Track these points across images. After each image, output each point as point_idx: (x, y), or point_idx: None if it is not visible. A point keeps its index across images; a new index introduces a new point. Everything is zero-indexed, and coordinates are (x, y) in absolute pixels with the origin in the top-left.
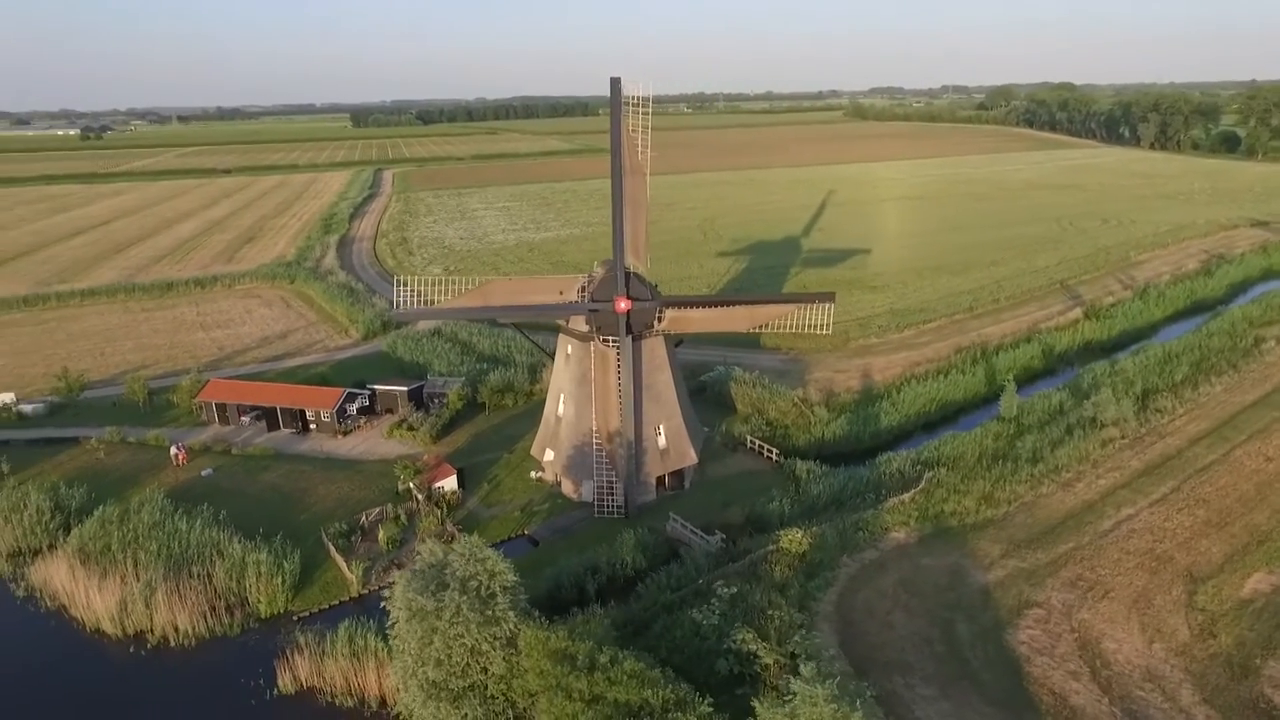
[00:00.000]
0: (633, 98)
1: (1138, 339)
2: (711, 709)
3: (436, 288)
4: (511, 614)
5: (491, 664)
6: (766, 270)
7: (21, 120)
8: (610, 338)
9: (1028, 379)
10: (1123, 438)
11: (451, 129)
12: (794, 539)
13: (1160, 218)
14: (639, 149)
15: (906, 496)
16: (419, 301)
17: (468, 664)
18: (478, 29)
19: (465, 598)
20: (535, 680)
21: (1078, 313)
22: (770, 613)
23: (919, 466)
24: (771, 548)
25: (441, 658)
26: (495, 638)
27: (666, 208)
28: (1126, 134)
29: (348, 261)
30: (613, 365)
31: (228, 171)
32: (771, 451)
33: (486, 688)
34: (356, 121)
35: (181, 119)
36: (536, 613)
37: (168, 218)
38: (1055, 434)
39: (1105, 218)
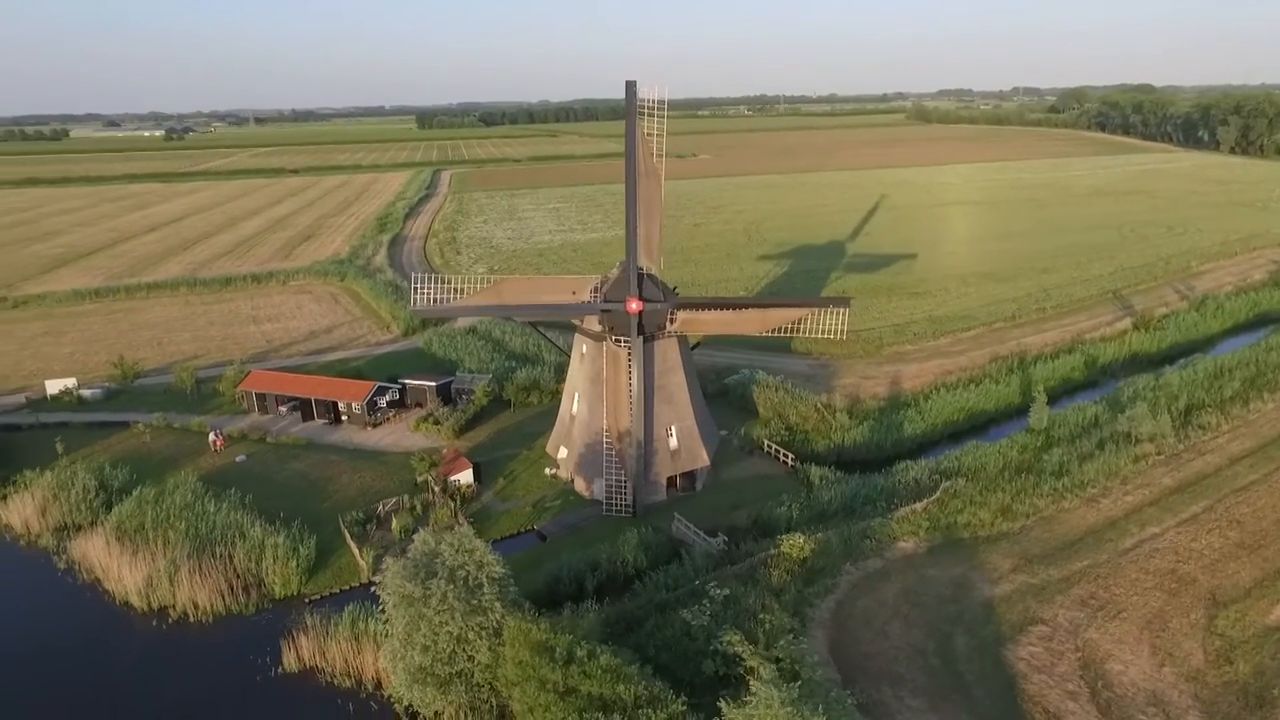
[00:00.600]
0: (648, 101)
1: (1190, 352)
2: (685, 707)
3: (449, 286)
4: (498, 604)
5: (477, 653)
6: (807, 274)
7: (113, 122)
8: (622, 338)
9: (1066, 391)
10: (1158, 454)
11: (512, 131)
12: (795, 544)
13: (1231, 225)
14: (654, 152)
15: (919, 506)
16: (436, 299)
17: (454, 651)
18: (540, 33)
19: (452, 586)
20: (513, 670)
21: (1127, 323)
22: (762, 616)
23: (937, 476)
24: (772, 552)
25: (428, 644)
26: (482, 627)
27: (714, 210)
28: (1205, 138)
29: (397, 260)
30: (624, 365)
31: (295, 171)
32: (787, 456)
33: (473, 675)
34: (422, 124)
35: (259, 120)
36: (528, 605)
37: (234, 215)
38: (1085, 448)
39: (1171, 225)
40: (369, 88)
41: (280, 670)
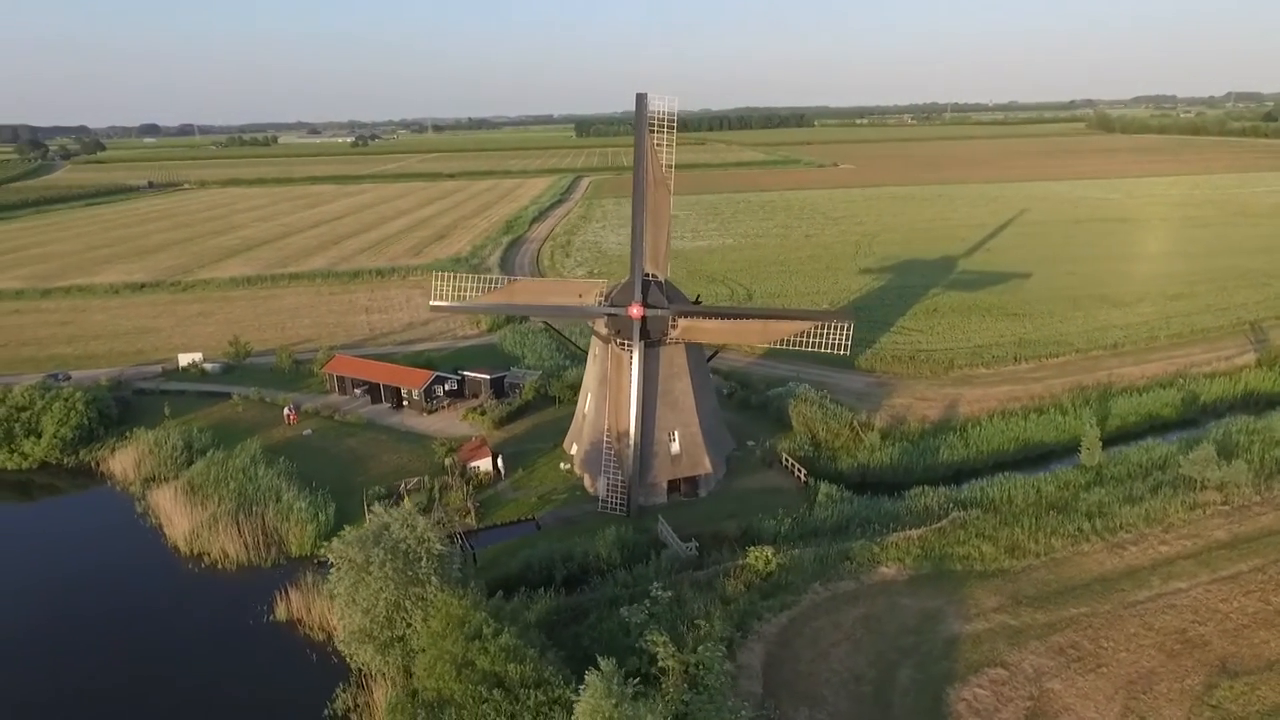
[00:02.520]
0: (658, 113)
1: None
2: (573, 695)
3: (469, 284)
4: (434, 578)
5: (414, 620)
6: (900, 290)
7: (314, 130)
8: (626, 342)
9: (1153, 428)
10: (1223, 503)
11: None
12: (761, 556)
13: None
14: (663, 163)
15: (914, 533)
16: (461, 295)
17: (390, 616)
18: (699, 41)
19: (392, 557)
20: (425, 638)
21: (1250, 358)
22: (698, 621)
23: (953, 505)
24: (739, 562)
25: (367, 607)
26: (419, 598)
27: (833, 221)
28: None
29: (510, 261)
30: (626, 368)
31: (451, 176)
32: (800, 471)
33: (409, 642)
34: (580, 131)
35: (436, 128)
36: (480, 585)
37: (385, 215)
38: (1137, 490)
39: None
40: (537, 96)
41: (270, 618)
